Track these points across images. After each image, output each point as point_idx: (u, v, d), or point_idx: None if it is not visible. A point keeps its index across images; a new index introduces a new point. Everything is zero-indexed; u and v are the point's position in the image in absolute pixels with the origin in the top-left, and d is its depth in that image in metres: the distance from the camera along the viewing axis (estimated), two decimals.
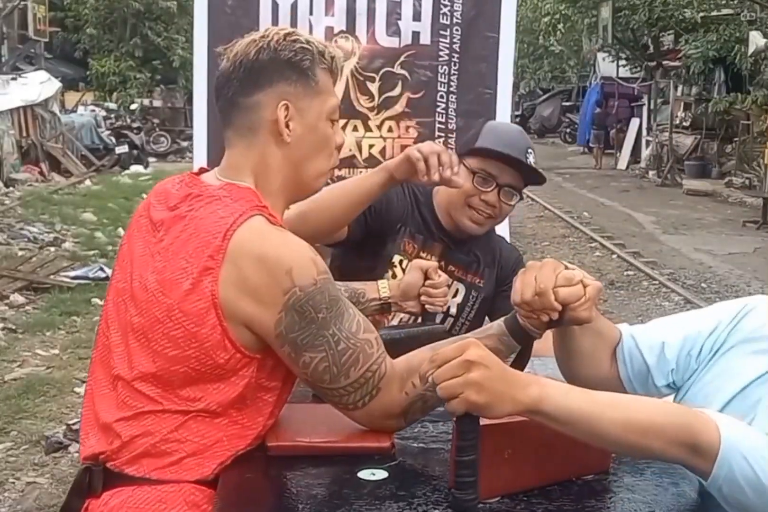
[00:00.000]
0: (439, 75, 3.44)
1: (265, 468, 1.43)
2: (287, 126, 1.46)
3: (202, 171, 1.54)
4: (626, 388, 1.56)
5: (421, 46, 3.41)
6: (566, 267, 1.43)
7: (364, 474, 1.39)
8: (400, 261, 2.24)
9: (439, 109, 3.45)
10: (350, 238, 2.15)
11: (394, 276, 2.22)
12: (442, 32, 3.42)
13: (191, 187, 1.47)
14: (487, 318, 2.38)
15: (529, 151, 2.20)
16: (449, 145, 3.41)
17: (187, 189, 1.47)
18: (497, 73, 3.50)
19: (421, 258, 2.24)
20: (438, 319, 2.22)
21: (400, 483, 1.37)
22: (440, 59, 3.43)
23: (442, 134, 3.44)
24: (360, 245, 2.22)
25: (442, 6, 3.41)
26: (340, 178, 2.66)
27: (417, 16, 3.40)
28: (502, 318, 1.52)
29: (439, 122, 3.46)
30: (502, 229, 3.68)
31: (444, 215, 2.27)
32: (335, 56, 1.51)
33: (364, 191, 1.98)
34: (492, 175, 2.16)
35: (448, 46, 3.44)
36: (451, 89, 3.47)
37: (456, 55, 3.45)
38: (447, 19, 3.43)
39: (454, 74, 3.46)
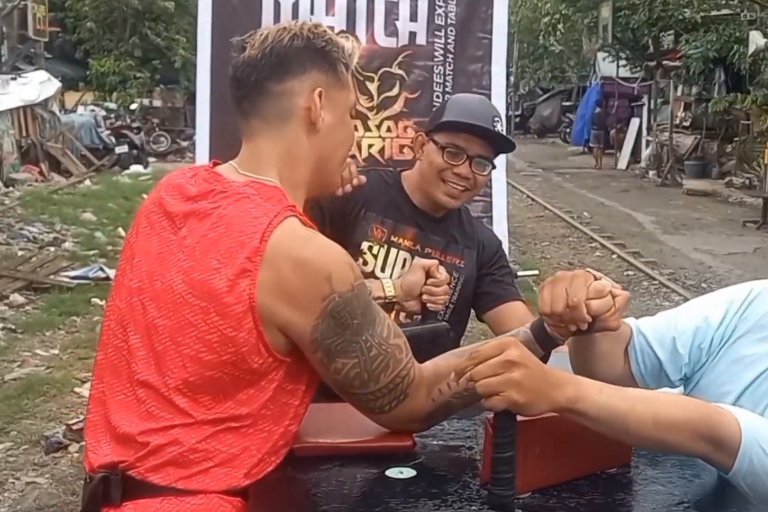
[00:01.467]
0: (434, 75, 3.46)
1: (292, 470, 1.42)
2: (320, 114, 1.44)
3: (215, 163, 1.50)
4: (638, 384, 1.58)
5: (417, 47, 3.42)
6: (595, 278, 1.43)
7: (392, 473, 1.40)
8: (369, 248, 2.21)
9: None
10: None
11: (365, 263, 2.20)
12: (437, 33, 3.44)
13: (212, 182, 1.43)
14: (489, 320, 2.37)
15: (496, 119, 2.18)
16: None
17: (207, 184, 1.43)
18: (491, 73, 3.53)
19: (392, 242, 2.23)
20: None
21: (430, 480, 1.38)
22: (436, 59, 3.45)
23: None
24: (326, 235, 2.21)
25: (437, 7, 3.42)
26: None
27: (414, 17, 3.42)
28: (528, 325, 1.52)
29: None
30: (500, 230, 3.69)
31: (417, 194, 2.24)
32: (353, 55, 1.50)
33: None
34: (461, 148, 2.14)
35: (443, 46, 3.46)
36: (447, 89, 3.48)
37: (451, 56, 3.47)
38: (442, 20, 3.44)
39: (449, 74, 3.48)
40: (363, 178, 2.15)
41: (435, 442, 1.54)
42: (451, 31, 3.45)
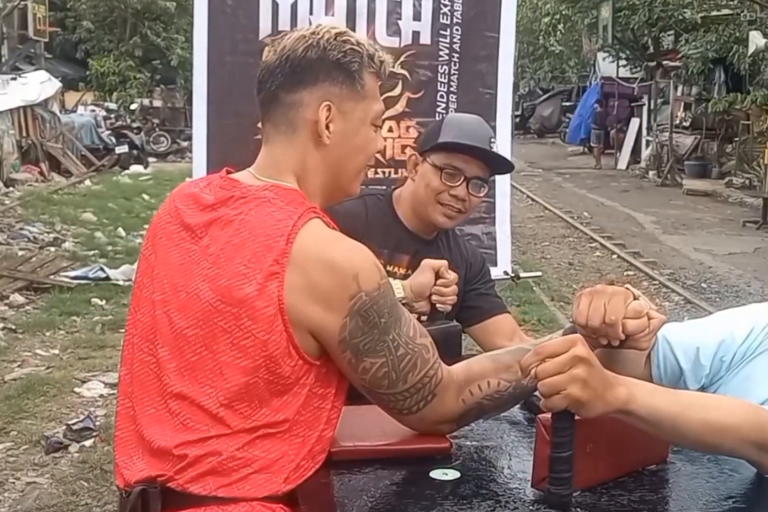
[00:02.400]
0: (439, 75, 3.44)
1: (335, 474, 1.42)
2: (327, 127, 1.43)
3: (229, 172, 1.49)
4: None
5: (421, 46, 3.41)
6: (634, 296, 1.43)
7: (437, 475, 1.40)
8: None
9: (439, 109, 3.45)
10: None
11: None
12: (442, 32, 3.42)
13: (230, 189, 1.42)
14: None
15: (493, 139, 2.17)
16: None
17: (224, 191, 1.42)
18: (497, 73, 3.50)
19: (388, 272, 2.18)
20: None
21: (477, 481, 1.39)
22: (440, 59, 3.43)
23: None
24: None
25: (442, 6, 3.41)
26: None
27: (417, 16, 3.40)
28: (561, 331, 1.51)
29: None
30: (503, 230, 3.68)
31: (409, 217, 2.22)
32: (384, 61, 1.47)
33: None
34: (459, 169, 2.13)
35: (448, 45, 3.44)
36: (452, 89, 3.47)
37: (456, 55, 3.45)
38: (447, 19, 3.42)
39: (454, 74, 3.46)
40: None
41: (469, 443, 1.54)
42: (457, 30, 3.43)
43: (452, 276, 2.02)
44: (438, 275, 2.01)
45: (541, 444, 1.30)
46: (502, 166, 2.22)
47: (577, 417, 1.25)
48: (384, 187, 2.99)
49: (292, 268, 1.32)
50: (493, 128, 3.44)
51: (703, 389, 1.60)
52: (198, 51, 3.24)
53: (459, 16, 3.42)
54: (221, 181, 1.45)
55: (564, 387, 1.20)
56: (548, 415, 1.27)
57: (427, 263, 2.04)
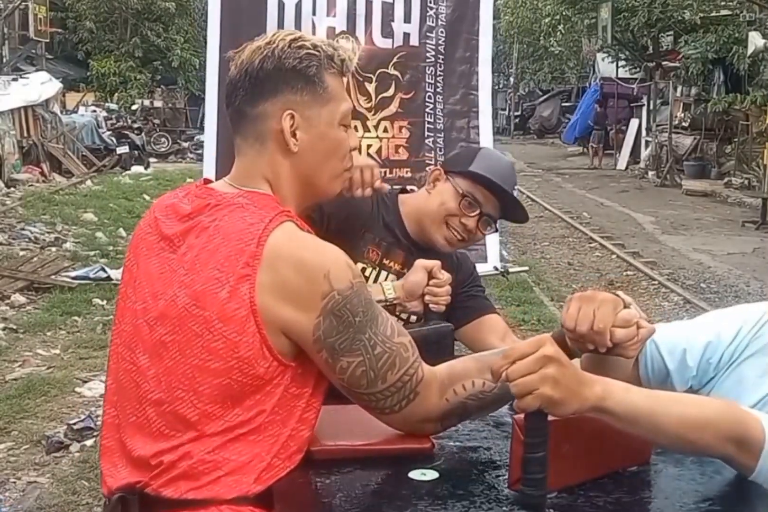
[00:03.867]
0: (426, 76, 3.48)
1: (312, 474, 1.42)
2: (294, 135, 1.43)
3: (207, 182, 1.51)
4: (643, 386, 1.58)
5: (410, 47, 3.44)
6: (625, 305, 1.42)
7: (415, 475, 1.40)
8: (363, 270, 2.19)
9: (427, 110, 3.49)
10: None
11: None
12: (428, 34, 3.46)
13: (206, 197, 1.43)
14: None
15: (515, 186, 2.22)
16: (438, 145, 3.46)
17: (201, 200, 1.43)
18: (478, 74, 3.56)
19: (383, 265, 2.22)
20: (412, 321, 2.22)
21: (454, 482, 1.38)
22: (427, 60, 3.48)
23: (431, 134, 3.48)
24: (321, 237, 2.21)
25: (428, 8, 3.45)
26: None
27: (407, 18, 3.44)
28: (549, 334, 1.48)
29: (428, 122, 3.51)
30: (491, 237, 3.72)
31: (412, 223, 2.23)
32: (345, 59, 1.47)
33: None
34: (478, 202, 2.16)
35: (434, 47, 3.48)
36: (438, 90, 3.51)
37: (441, 57, 3.49)
38: (433, 21, 3.47)
39: (440, 75, 3.51)
40: (385, 186, 2.14)
41: (452, 444, 1.53)
42: (442, 32, 3.48)
43: (445, 276, 2.02)
44: (431, 275, 2.02)
45: (516, 445, 1.29)
46: (517, 214, 2.25)
47: (552, 418, 1.25)
48: None
49: (264, 269, 1.33)
50: (475, 128, 3.51)
51: (692, 391, 1.60)
52: (211, 51, 3.25)
53: (443, 19, 3.47)
54: (197, 190, 1.46)
55: (535, 386, 1.20)
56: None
57: (420, 263, 2.05)
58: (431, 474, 1.40)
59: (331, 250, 1.38)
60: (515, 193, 2.21)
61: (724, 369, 1.58)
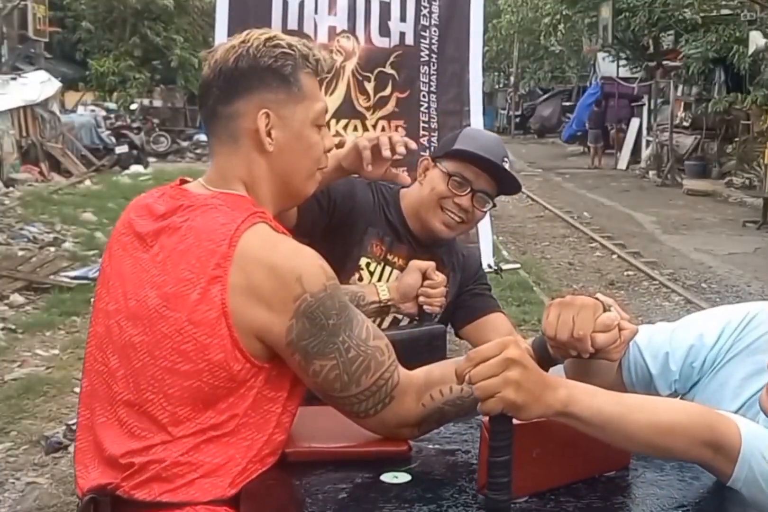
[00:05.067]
0: (421, 75, 3.50)
1: (285, 475, 1.40)
2: (269, 135, 1.42)
3: (183, 181, 1.50)
4: (628, 390, 1.56)
5: (406, 47, 3.46)
6: (605, 308, 1.40)
7: (387, 478, 1.38)
8: (367, 264, 2.17)
9: (422, 109, 3.50)
10: (301, 228, 2.03)
11: (360, 279, 2.16)
12: (422, 33, 3.48)
13: (179, 198, 1.42)
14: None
15: (506, 159, 2.15)
16: (432, 144, 3.46)
17: (174, 201, 1.42)
18: (469, 73, 3.56)
19: (387, 260, 2.19)
20: (404, 323, 2.19)
21: (425, 485, 1.37)
22: (422, 59, 3.49)
23: (426, 133, 3.49)
24: (323, 246, 2.16)
25: (422, 7, 3.46)
26: None
27: (403, 17, 3.45)
28: (530, 341, 1.47)
29: (423, 121, 3.52)
30: (482, 226, 3.71)
31: (412, 217, 2.20)
32: (320, 58, 1.46)
33: None
34: (467, 180, 2.11)
35: (428, 46, 3.50)
36: (432, 89, 3.52)
37: (434, 56, 3.51)
38: (427, 20, 3.48)
39: (433, 74, 3.52)
40: (413, 144, 2.05)
41: (431, 446, 1.51)
42: (435, 31, 3.49)
43: (440, 278, 2.00)
44: (425, 276, 1.99)
45: (484, 449, 1.27)
46: (511, 185, 2.19)
47: (521, 422, 1.23)
48: None
49: (235, 271, 1.31)
50: (468, 126, 3.51)
51: (676, 395, 1.57)
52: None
53: (437, 18, 3.49)
54: (172, 191, 1.46)
55: (498, 389, 1.18)
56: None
57: (414, 264, 2.03)
58: (403, 477, 1.39)
59: (305, 253, 1.37)
60: (507, 165, 2.14)
61: (708, 372, 1.55)
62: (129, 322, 1.39)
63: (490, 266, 3.74)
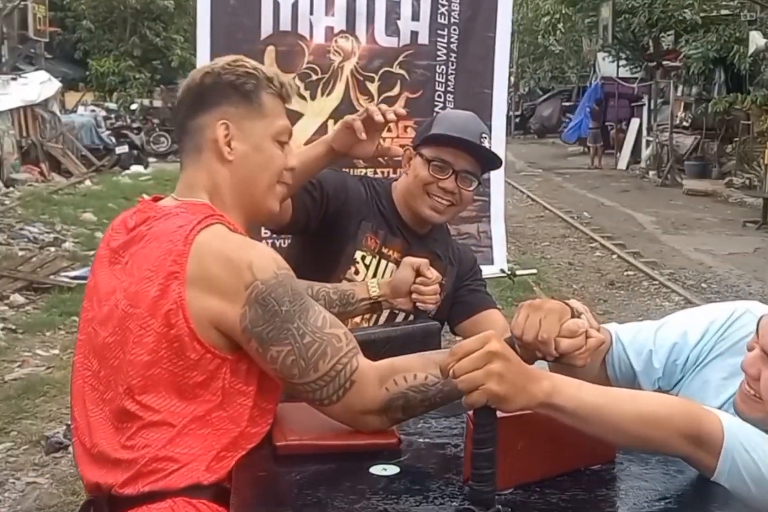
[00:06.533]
0: (437, 74, 3.47)
1: (275, 467, 1.43)
2: (228, 144, 1.51)
3: (157, 199, 1.58)
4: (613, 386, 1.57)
5: (419, 46, 3.43)
6: (573, 313, 1.42)
7: (376, 470, 1.40)
8: (362, 258, 2.19)
9: (437, 109, 3.46)
10: (297, 224, 2.07)
11: (356, 272, 2.18)
12: (440, 32, 3.44)
13: (147, 211, 1.51)
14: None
15: (484, 135, 2.16)
16: None
17: (143, 214, 1.51)
18: (494, 72, 3.53)
19: (382, 253, 2.21)
20: (400, 319, 2.20)
21: (413, 477, 1.39)
22: (438, 59, 3.46)
23: None
24: (318, 241, 2.18)
25: (440, 6, 3.43)
26: None
27: (416, 16, 3.42)
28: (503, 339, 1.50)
29: None
30: (497, 229, 3.70)
31: (403, 208, 2.22)
32: (285, 83, 1.57)
33: (303, 164, 1.89)
34: (447, 162, 2.13)
35: (446, 45, 3.46)
36: (449, 89, 3.49)
37: (454, 55, 3.47)
38: (445, 19, 3.45)
39: (451, 74, 3.49)
40: (402, 111, 2.07)
41: (421, 440, 1.53)
42: (455, 30, 3.46)
43: (433, 275, 1.99)
44: (418, 273, 1.99)
45: (469, 442, 1.29)
46: (491, 161, 2.20)
47: (506, 415, 1.25)
48: None
49: (191, 265, 1.39)
50: (489, 127, 3.46)
51: (660, 392, 1.58)
52: (201, 51, 3.23)
53: (456, 16, 3.45)
54: (143, 206, 1.55)
55: (481, 382, 1.20)
56: None
57: (408, 260, 2.03)
58: (392, 470, 1.41)
59: (257, 245, 1.45)
60: (486, 142, 2.15)
61: (690, 370, 1.57)
62: (102, 326, 1.47)
63: (503, 271, 3.72)
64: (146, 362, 1.40)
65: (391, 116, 1.93)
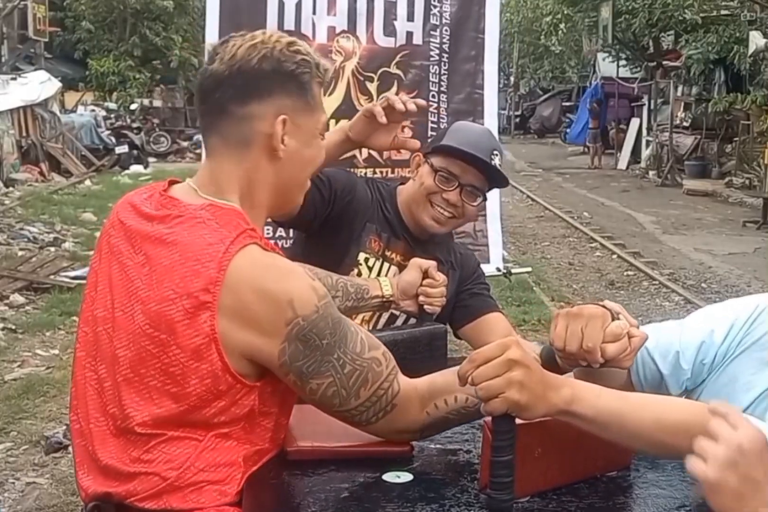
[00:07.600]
0: (430, 75, 3.48)
1: (286, 474, 1.41)
2: (282, 141, 1.40)
3: (172, 182, 1.46)
4: (637, 391, 1.55)
5: (414, 46, 3.44)
6: (613, 317, 1.39)
7: (389, 477, 1.39)
8: (366, 260, 2.19)
9: (431, 109, 3.48)
10: (303, 219, 2.04)
11: (359, 274, 2.17)
12: (432, 32, 3.46)
13: (170, 207, 1.39)
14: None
15: (495, 152, 2.15)
16: None
17: (164, 209, 1.39)
18: (484, 73, 3.55)
19: (386, 256, 2.21)
20: (400, 323, 2.20)
21: (427, 485, 1.37)
22: (431, 59, 3.47)
23: (435, 133, 3.47)
24: (321, 241, 2.18)
25: (432, 6, 3.44)
26: None
27: (411, 16, 3.44)
28: (538, 350, 1.46)
29: (432, 121, 3.50)
30: (494, 228, 3.70)
31: (407, 213, 2.22)
32: (328, 69, 1.46)
33: None
34: (454, 175, 2.12)
35: (438, 46, 3.48)
36: (442, 89, 3.50)
37: (446, 55, 3.49)
38: (437, 20, 3.46)
39: (444, 74, 3.50)
40: (422, 101, 2.06)
41: (433, 446, 1.52)
42: (446, 30, 3.47)
43: (441, 277, 2.00)
44: (426, 275, 1.99)
45: (486, 448, 1.28)
46: (498, 180, 2.20)
47: (525, 422, 1.23)
48: None
49: (225, 296, 1.28)
50: None
51: (688, 392, 1.57)
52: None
53: (448, 17, 3.47)
54: (161, 198, 1.42)
55: (501, 390, 1.18)
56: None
57: (416, 262, 2.03)
58: (405, 477, 1.39)
59: (295, 275, 1.34)
60: (496, 159, 2.14)
61: (717, 368, 1.54)
62: (115, 333, 1.37)
63: (499, 269, 3.72)
64: (174, 394, 1.32)
65: (411, 106, 1.92)
